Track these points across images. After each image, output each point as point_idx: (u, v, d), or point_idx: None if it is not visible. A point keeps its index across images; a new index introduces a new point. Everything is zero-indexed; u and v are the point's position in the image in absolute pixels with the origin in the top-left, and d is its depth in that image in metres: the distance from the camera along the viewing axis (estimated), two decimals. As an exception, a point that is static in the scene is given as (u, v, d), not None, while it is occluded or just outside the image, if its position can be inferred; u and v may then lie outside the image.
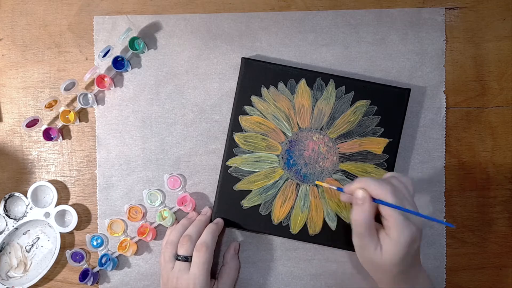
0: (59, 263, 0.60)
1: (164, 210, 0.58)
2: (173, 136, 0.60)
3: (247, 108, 0.57)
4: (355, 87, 0.56)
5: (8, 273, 0.60)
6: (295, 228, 0.57)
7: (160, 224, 0.59)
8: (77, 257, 0.59)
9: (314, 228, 0.57)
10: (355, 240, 0.49)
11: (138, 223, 0.59)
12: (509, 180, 0.59)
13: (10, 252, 0.60)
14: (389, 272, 0.48)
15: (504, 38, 0.59)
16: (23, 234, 0.61)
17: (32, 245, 0.61)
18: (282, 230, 0.57)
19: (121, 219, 0.59)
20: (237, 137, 0.57)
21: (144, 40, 0.59)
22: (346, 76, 0.57)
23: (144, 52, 0.60)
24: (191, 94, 0.60)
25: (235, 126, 0.57)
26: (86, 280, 0.57)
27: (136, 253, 0.59)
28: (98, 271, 0.59)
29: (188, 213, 0.59)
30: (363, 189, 0.47)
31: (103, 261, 0.58)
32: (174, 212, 0.59)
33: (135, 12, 0.60)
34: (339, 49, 0.59)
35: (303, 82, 0.57)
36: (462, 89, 0.59)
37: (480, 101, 0.59)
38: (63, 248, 0.60)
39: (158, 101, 0.60)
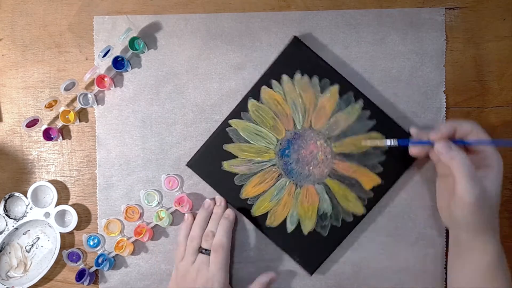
0: (59, 263, 0.60)
1: (161, 210, 0.58)
2: (173, 136, 0.60)
3: (274, 82, 0.57)
4: (379, 118, 0.56)
5: (8, 273, 0.60)
6: (256, 211, 0.57)
7: (157, 225, 0.58)
8: (74, 257, 0.59)
9: (272, 221, 0.57)
10: (470, 187, 0.47)
11: (135, 223, 0.59)
12: (509, 180, 0.59)
13: (10, 252, 0.60)
14: (494, 208, 0.49)
15: (504, 38, 0.59)
16: (23, 234, 0.61)
17: (32, 245, 0.61)
18: (244, 207, 0.57)
19: (118, 219, 0.59)
20: (251, 103, 0.57)
21: (144, 40, 0.59)
22: (377, 105, 0.56)
23: (144, 52, 0.60)
24: (191, 94, 0.60)
25: (254, 93, 0.57)
26: (83, 280, 0.57)
27: (132, 253, 0.59)
28: (95, 271, 0.59)
29: (184, 213, 0.59)
30: (445, 142, 0.50)
31: (99, 261, 0.58)
32: (171, 213, 0.59)
33: (135, 12, 0.60)
34: (339, 49, 0.59)
35: (336, 88, 0.56)
36: (462, 89, 0.59)
37: (480, 101, 0.59)
38: (63, 248, 0.60)
39: (158, 101, 0.60)
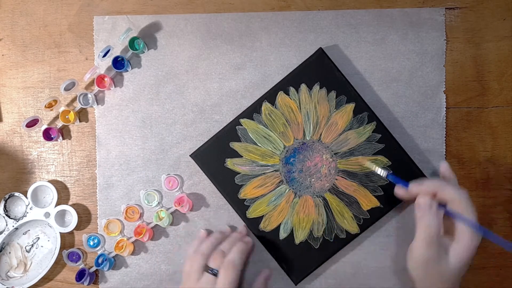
0: (59, 263, 0.60)
1: (161, 210, 0.58)
2: (173, 136, 0.60)
3: (291, 89, 0.57)
4: (388, 144, 0.56)
5: (8, 273, 0.60)
6: (252, 213, 0.57)
7: (157, 225, 0.58)
8: (74, 257, 0.59)
9: (266, 226, 0.57)
10: (423, 250, 0.48)
11: (135, 224, 0.59)
12: (509, 180, 0.59)
13: (10, 252, 0.60)
14: (452, 279, 0.47)
15: (504, 38, 0.59)
16: (23, 234, 0.61)
17: (32, 245, 0.61)
18: (241, 207, 0.57)
19: (118, 219, 0.59)
20: (265, 106, 0.57)
21: (144, 40, 0.59)
22: (389, 130, 0.56)
23: (144, 52, 0.60)
24: (191, 94, 0.60)
25: (270, 97, 0.57)
26: (83, 280, 0.57)
27: (132, 253, 0.59)
28: (95, 271, 0.59)
29: (184, 213, 0.59)
30: (429, 197, 0.48)
31: (99, 261, 0.58)
32: (171, 213, 0.59)
33: (135, 12, 0.60)
34: (339, 49, 0.59)
35: (351, 106, 0.57)
36: (462, 89, 0.59)
37: (480, 101, 0.59)
38: (63, 248, 0.60)
39: (158, 101, 0.60)
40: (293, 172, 0.57)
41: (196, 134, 0.59)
